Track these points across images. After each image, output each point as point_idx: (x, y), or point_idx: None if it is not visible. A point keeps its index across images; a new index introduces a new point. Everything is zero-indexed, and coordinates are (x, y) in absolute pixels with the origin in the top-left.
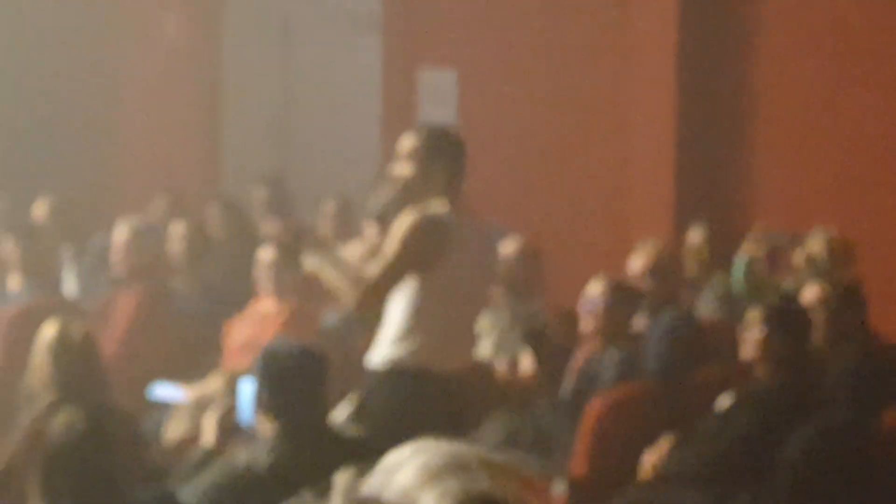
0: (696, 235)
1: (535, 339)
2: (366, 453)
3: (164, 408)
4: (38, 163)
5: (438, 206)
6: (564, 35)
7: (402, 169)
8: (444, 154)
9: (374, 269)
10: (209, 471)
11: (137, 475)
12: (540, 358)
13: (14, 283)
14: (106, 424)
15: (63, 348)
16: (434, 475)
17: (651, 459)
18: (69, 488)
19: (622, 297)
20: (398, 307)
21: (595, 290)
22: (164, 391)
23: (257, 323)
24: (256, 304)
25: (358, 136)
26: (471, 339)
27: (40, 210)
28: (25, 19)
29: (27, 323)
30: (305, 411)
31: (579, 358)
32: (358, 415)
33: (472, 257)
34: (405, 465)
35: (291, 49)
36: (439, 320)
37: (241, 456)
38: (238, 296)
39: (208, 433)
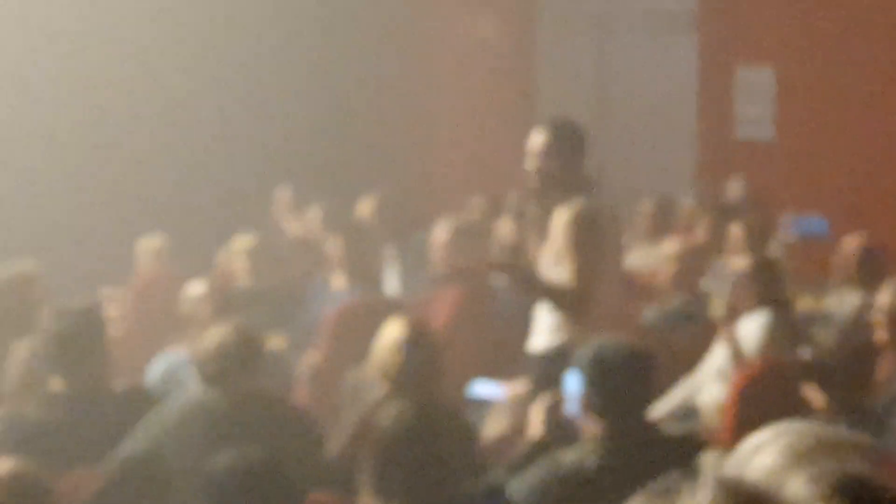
0: None
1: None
2: (690, 451)
3: (481, 406)
4: (358, 163)
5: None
6: (885, 29)
7: (536, 164)
8: (576, 146)
9: (571, 281)
10: (536, 467)
11: (466, 469)
12: None
13: (338, 281)
14: (436, 418)
15: (413, 345)
16: (803, 456)
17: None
18: (400, 480)
19: None
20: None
21: None
22: (484, 389)
23: None
24: None
25: (674, 135)
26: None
27: (365, 208)
28: (341, 25)
29: (351, 321)
30: (634, 411)
31: None
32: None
33: (612, 242)
34: (766, 446)
35: (606, 48)
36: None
37: (569, 454)
38: None
39: (536, 424)
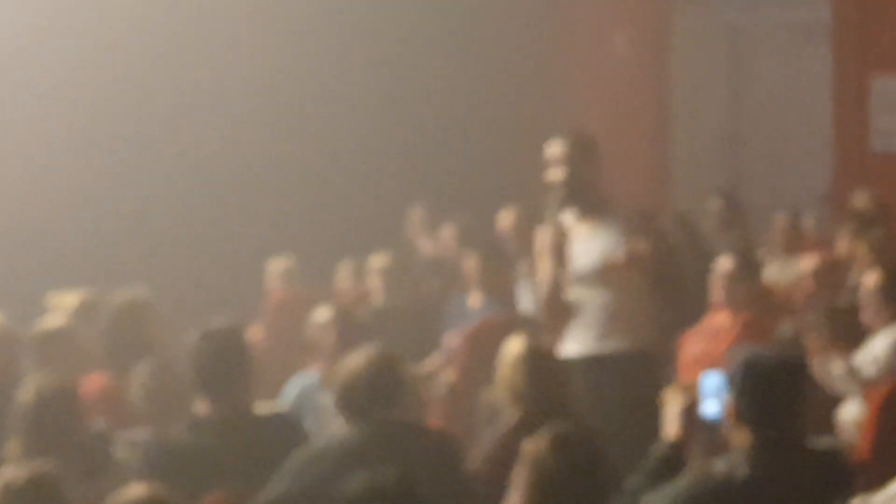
0: None
1: None
2: (836, 468)
3: None
4: (493, 180)
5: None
6: None
7: (557, 174)
8: (593, 156)
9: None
10: (683, 477)
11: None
12: None
13: (474, 299)
14: (591, 447)
15: (535, 363)
16: None
17: None
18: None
19: None
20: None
21: None
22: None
23: (711, 336)
24: (711, 316)
25: (809, 147)
26: None
27: (504, 223)
28: (475, 41)
29: (487, 339)
30: (785, 423)
31: None
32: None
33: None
34: None
35: (740, 59)
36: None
37: (719, 465)
38: (692, 308)
39: (671, 425)
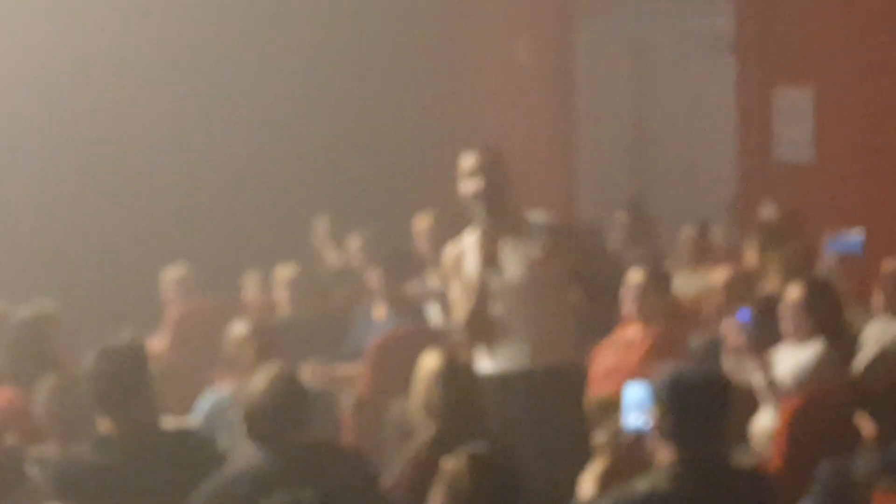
0: None
1: None
2: (758, 485)
3: None
4: (394, 189)
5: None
6: None
7: (472, 186)
8: (504, 169)
9: None
10: (608, 496)
11: None
12: None
13: (380, 311)
14: (509, 467)
15: (451, 379)
16: None
17: None
18: None
19: None
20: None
21: None
22: None
23: (622, 349)
24: (622, 329)
25: (713, 157)
26: None
27: (419, 227)
28: (378, 50)
29: (393, 351)
30: (709, 440)
31: None
32: None
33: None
34: None
35: (645, 70)
36: None
37: (641, 483)
38: (602, 322)
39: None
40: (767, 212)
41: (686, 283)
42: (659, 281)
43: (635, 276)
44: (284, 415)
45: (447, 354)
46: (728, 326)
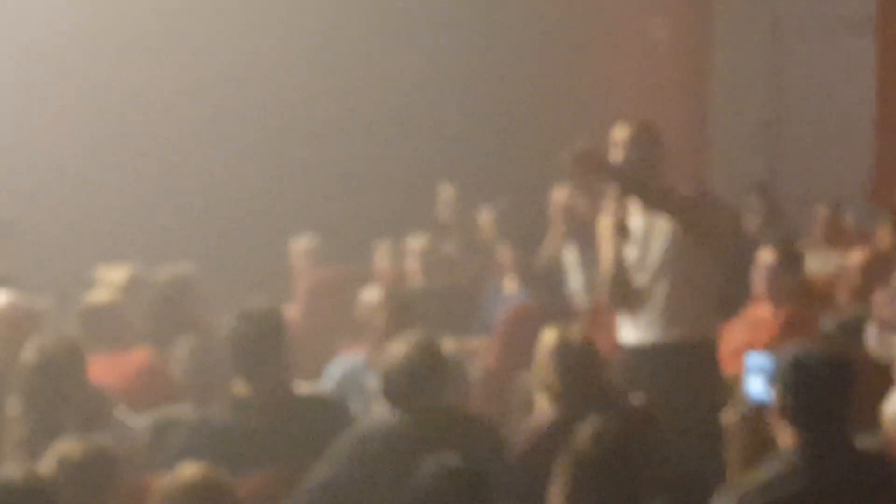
0: None
1: None
2: (889, 472)
3: None
4: (529, 166)
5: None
6: None
7: (621, 156)
8: (657, 144)
9: None
10: (734, 487)
11: (653, 485)
12: None
13: (510, 285)
14: (629, 438)
15: (568, 359)
16: None
17: None
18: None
19: None
20: None
21: None
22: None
23: (752, 328)
24: (752, 308)
25: (851, 140)
26: None
27: (557, 198)
28: (512, 22)
29: (522, 325)
30: (834, 423)
31: None
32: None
33: None
34: None
35: (782, 51)
36: None
37: (765, 470)
38: (735, 301)
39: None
40: None
41: (819, 264)
42: (790, 261)
43: (767, 256)
44: (422, 379)
45: (564, 332)
46: (879, 297)
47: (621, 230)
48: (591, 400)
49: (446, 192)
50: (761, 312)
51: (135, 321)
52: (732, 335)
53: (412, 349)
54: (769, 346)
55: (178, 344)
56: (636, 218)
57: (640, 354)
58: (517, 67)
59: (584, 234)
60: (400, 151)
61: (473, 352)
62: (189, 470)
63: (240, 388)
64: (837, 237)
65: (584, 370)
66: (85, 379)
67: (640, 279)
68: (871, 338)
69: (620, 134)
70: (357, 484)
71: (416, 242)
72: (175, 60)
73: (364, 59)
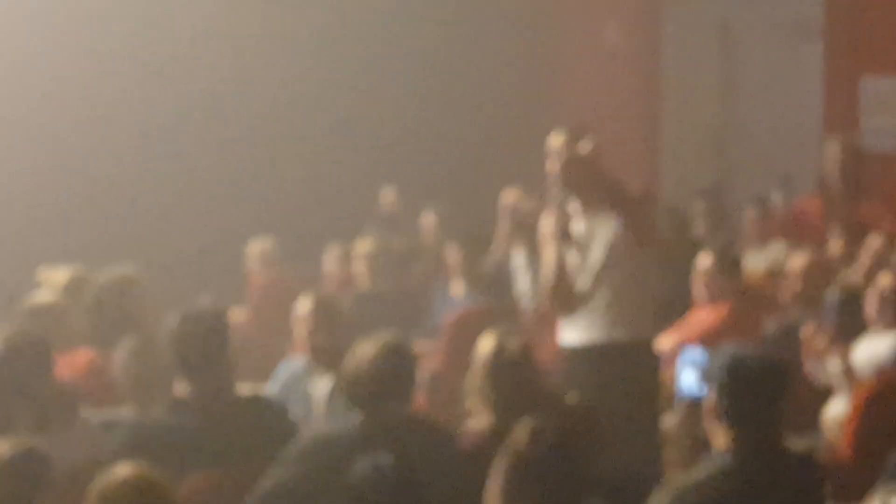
0: None
1: None
2: (816, 473)
3: None
4: (475, 168)
5: None
6: None
7: (557, 165)
8: (592, 147)
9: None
10: (667, 487)
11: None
12: None
13: (457, 287)
14: (571, 438)
15: (498, 364)
16: None
17: None
18: (531, 498)
19: None
20: None
21: None
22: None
23: (693, 331)
24: (693, 312)
25: (799, 146)
26: None
27: (506, 200)
28: (462, 25)
29: (469, 327)
30: (768, 424)
31: None
32: None
33: None
34: None
35: (731, 55)
36: None
37: (698, 470)
38: (679, 305)
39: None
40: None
41: (754, 262)
42: (727, 264)
43: (704, 261)
44: (388, 382)
45: (500, 339)
46: (808, 330)
47: (565, 235)
48: (526, 407)
49: (388, 195)
50: (701, 316)
51: (77, 322)
52: (673, 339)
53: (380, 350)
54: (705, 342)
55: (120, 345)
56: (578, 221)
57: (580, 355)
58: (469, 70)
59: (531, 237)
60: (351, 154)
61: (421, 355)
62: (124, 470)
63: (181, 389)
64: (767, 232)
65: (517, 379)
66: (50, 375)
67: (581, 282)
68: (807, 364)
69: (556, 141)
70: (314, 490)
71: (362, 246)
72: (131, 64)
73: (315, 64)
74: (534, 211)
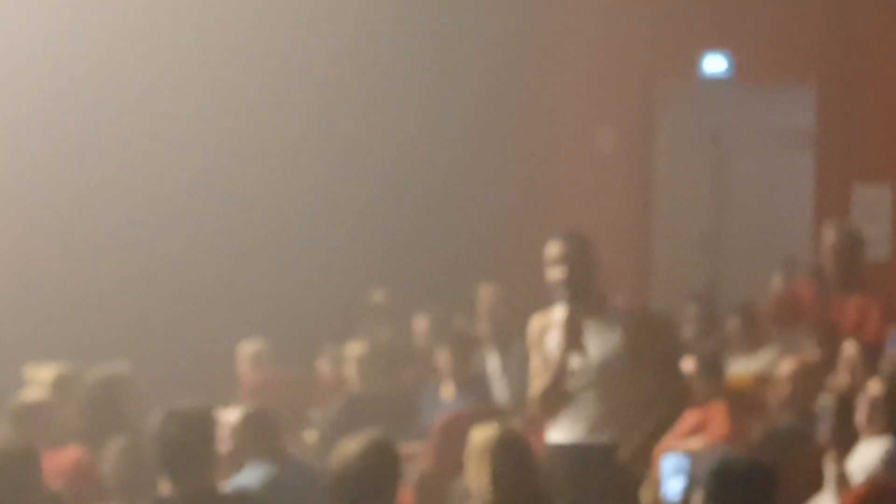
0: None
1: None
2: None
3: None
4: (468, 271)
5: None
6: None
7: (557, 274)
8: (590, 255)
9: None
10: None
11: None
12: None
13: (447, 390)
14: None
15: (502, 455)
16: None
17: None
18: None
19: None
20: None
21: None
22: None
23: (678, 436)
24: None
25: (791, 251)
26: None
27: (484, 298)
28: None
29: (458, 430)
30: None
31: None
32: None
33: None
34: None
35: (723, 162)
36: None
37: None
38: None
39: None
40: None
41: (743, 367)
42: (709, 368)
43: (687, 365)
44: (373, 482)
45: (498, 430)
46: None
47: (579, 349)
48: (524, 498)
49: (377, 297)
50: (687, 421)
51: (66, 420)
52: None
53: (364, 448)
54: (689, 446)
55: (109, 444)
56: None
57: (566, 453)
58: (463, 173)
59: (503, 336)
60: (346, 256)
61: (410, 457)
62: None
63: (163, 487)
64: (754, 340)
65: (518, 468)
66: (38, 483)
67: (572, 384)
68: None
69: (553, 250)
70: None
71: (354, 348)
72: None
73: (308, 164)
74: (512, 312)
